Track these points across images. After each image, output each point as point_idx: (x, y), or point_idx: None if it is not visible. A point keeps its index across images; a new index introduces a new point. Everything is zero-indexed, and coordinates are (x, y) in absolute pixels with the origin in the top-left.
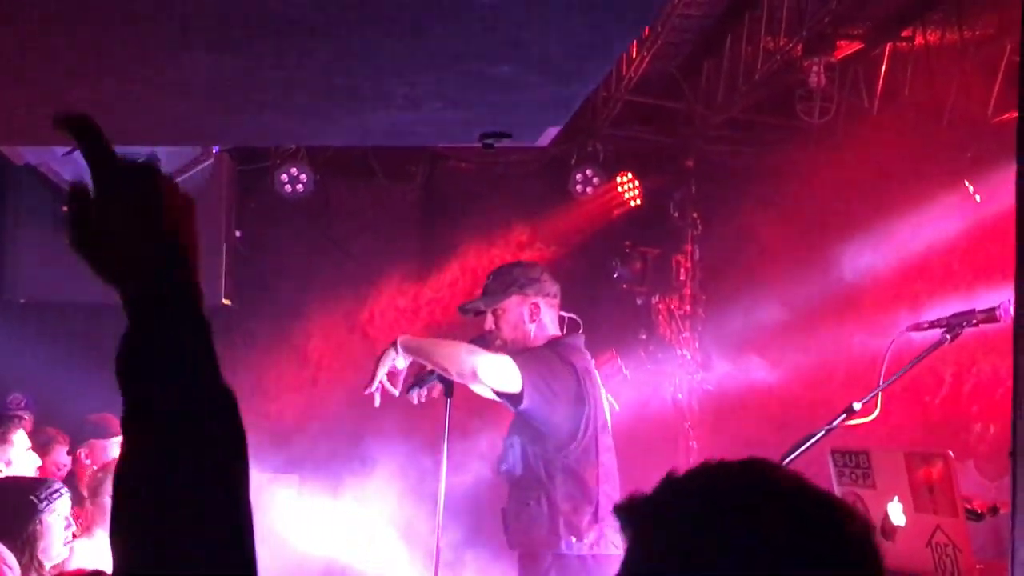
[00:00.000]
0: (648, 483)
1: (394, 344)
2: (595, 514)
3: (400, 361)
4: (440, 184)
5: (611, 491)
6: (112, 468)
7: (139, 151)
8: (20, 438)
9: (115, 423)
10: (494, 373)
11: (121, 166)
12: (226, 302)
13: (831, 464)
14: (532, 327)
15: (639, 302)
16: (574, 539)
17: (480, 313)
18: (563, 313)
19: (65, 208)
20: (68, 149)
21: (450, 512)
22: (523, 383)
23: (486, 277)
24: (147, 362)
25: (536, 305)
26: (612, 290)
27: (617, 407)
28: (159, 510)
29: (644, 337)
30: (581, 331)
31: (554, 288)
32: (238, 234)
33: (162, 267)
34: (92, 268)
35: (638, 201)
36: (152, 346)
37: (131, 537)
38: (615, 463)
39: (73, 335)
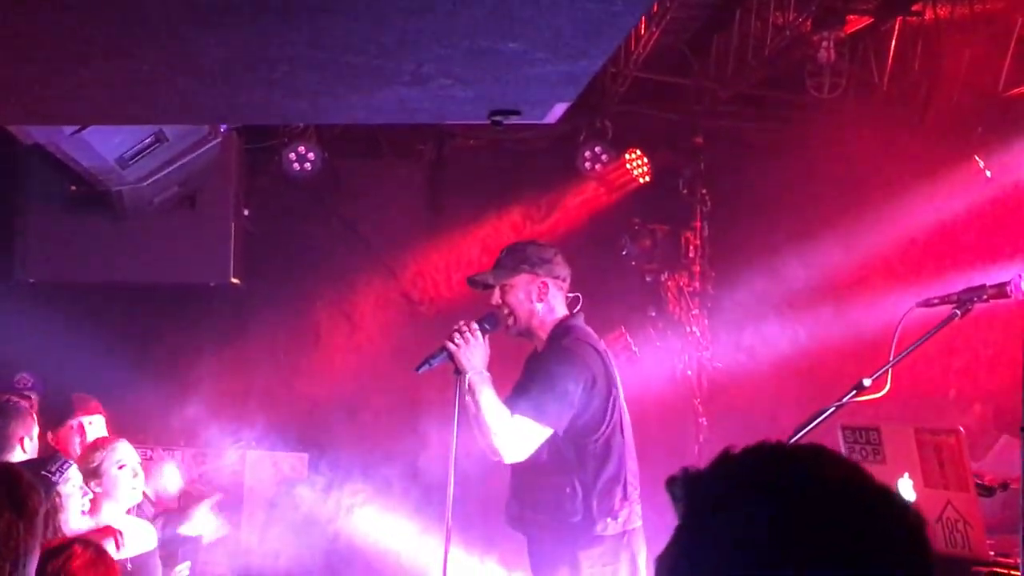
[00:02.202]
0: (658, 460)
1: (466, 373)
2: (624, 491)
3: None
4: (449, 162)
5: (634, 467)
6: (103, 444)
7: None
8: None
9: (86, 403)
10: (516, 453)
11: None
12: (235, 281)
13: (841, 440)
14: (540, 307)
15: (648, 279)
16: (609, 520)
17: (488, 287)
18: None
19: None
20: (75, 129)
21: (461, 488)
22: (548, 426)
23: (498, 254)
24: None
25: (545, 284)
26: (621, 267)
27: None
28: None
29: (653, 314)
30: (579, 308)
31: (565, 271)
32: (246, 213)
33: None
34: None
35: (647, 178)
36: None
37: None
38: (633, 439)
39: (82, 315)
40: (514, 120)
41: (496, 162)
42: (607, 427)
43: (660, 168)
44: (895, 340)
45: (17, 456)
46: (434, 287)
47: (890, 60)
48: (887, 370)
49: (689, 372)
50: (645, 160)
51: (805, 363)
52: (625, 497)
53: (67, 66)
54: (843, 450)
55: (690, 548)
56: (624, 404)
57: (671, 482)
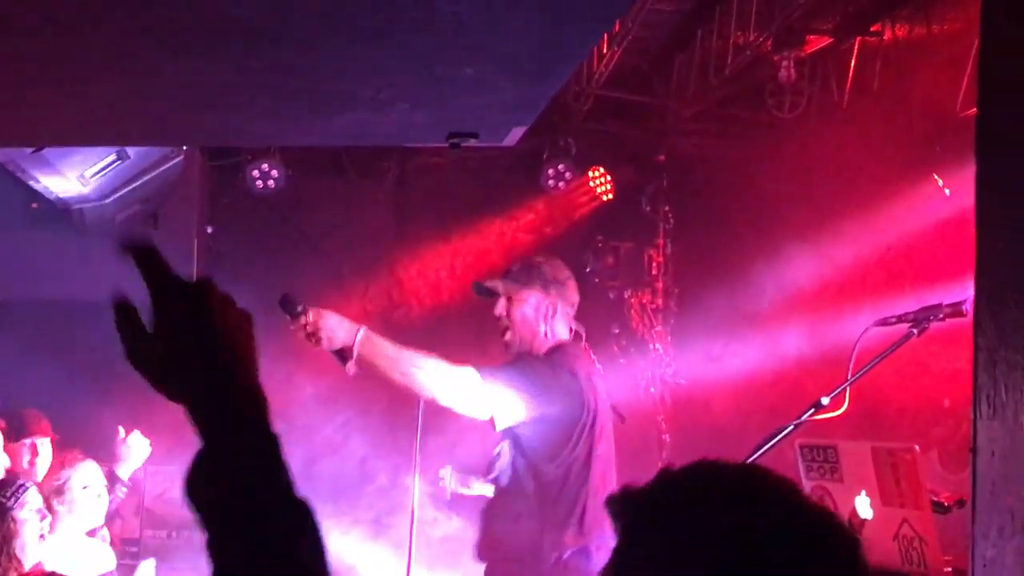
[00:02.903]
0: (621, 477)
1: (351, 347)
2: (580, 527)
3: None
4: (412, 180)
5: (601, 503)
6: (72, 464)
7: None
8: None
9: (39, 422)
10: (442, 393)
11: (176, 286)
12: None
13: (799, 458)
14: (543, 327)
15: (611, 296)
16: (555, 555)
17: (494, 295)
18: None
19: (116, 324)
20: (35, 149)
21: (427, 511)
22: (492, 410)
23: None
24: (217, 482)
25: (553, 307)
26: (584, 284)
27: (623, 420)
28: None
29: (616, 331)
30: (584, 343)
31: (575, 298)
32: (210, 230)
33: (218, 386)
34: (152, 384)
35: (610, 195)
36: (220, 466)
37: None
38: (612, 473)
39: (44, 334)
40: (472, 143)
41: (460, 180)
42: (568, 455)
43: (623, 185)
44: (853, 359)
45: None
46: (404, 302)
47: (850, 80)
48: (845, 388)
49: (652, 389)
50: (608, 178)
51: (769, 380)
52: (580, 533)
53: (31, 91)
54: (801, 468)
55: (630, 564)
56: (604, 433)
57: (611, 500)
